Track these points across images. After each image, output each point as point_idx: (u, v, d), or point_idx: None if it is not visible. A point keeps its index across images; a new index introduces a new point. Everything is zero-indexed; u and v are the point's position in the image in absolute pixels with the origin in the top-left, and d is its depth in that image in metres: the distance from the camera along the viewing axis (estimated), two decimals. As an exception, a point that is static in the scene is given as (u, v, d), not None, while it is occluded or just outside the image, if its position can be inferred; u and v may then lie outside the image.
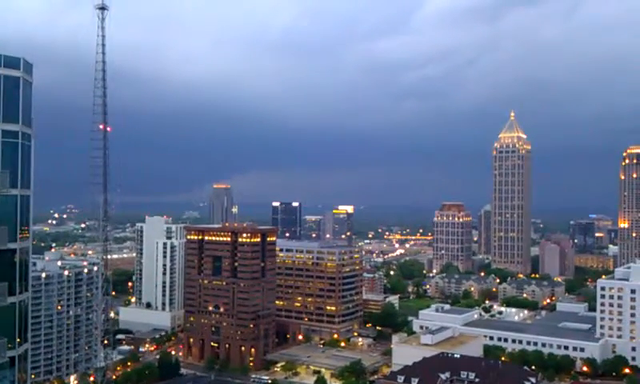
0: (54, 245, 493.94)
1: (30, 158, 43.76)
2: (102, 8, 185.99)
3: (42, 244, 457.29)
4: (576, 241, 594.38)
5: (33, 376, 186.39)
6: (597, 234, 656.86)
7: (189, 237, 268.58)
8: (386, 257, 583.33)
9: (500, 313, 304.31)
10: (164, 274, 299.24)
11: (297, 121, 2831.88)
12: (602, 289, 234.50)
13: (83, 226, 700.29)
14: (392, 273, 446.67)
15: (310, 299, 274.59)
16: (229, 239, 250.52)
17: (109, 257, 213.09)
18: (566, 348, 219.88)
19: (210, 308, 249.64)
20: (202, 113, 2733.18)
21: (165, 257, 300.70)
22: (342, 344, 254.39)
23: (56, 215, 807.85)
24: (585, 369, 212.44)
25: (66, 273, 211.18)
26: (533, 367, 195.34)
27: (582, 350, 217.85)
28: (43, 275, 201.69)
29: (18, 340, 42.02)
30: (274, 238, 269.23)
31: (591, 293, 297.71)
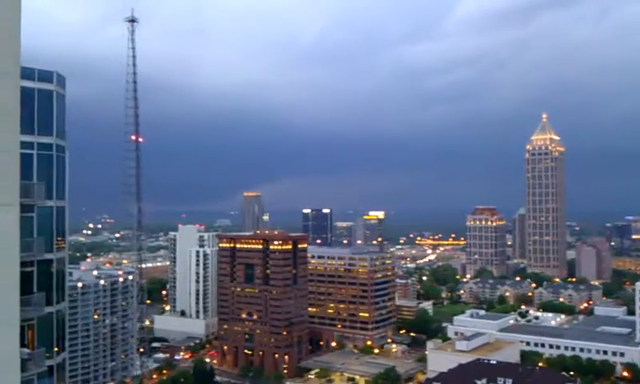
0: (89, 255, 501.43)
1: (65, 170, 44.38)
2: (132, 21, 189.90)
3: (78, 254, 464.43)
4: (613, 243, 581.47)
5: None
6: (634, 236, 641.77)
7: (221, 245, 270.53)
8: (418, 262, 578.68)
9: (536, 318, 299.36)
10: (197, 282, 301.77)
11: (326, 127, 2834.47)
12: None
13: (118, 235, 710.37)
14: (425, 278, 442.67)
15: (342, 306, 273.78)
16: (260, 247, 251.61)
17: (143, 266, 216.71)
18: (605, 353, 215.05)
19: (243, 315, 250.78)
20: (232, 122, 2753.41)
21: (198, 265, 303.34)
22: (376, 351, 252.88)
23: (91, 225, 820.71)
24: (625, 374, 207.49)
25: (102, 282, 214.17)
26: (571, 373, 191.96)
27: (622, 354, 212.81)
28: (79, 285, 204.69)
29: (56, 349, 42.53)
30: (306, 245, 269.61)
31: (629, 296, 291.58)
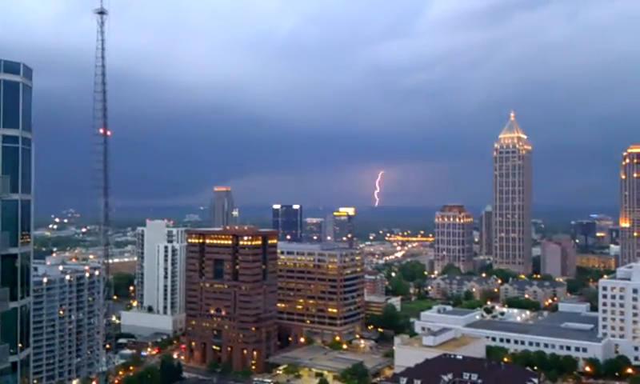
0: (55, 249, 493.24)
1: (31, 163, 43.75)
2: (101, 13, 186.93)
3: (44, 249, 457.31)
4: (577, 241, 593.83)
5: (35, 381, 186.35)
6: (598, 234, 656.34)
7: (190, 240, 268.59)
8: (387, 258, 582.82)
9: (502, 314, 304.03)
10: (165, 277, 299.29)
11: (300, 123, 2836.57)
12: (604, 289, 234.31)
13: (84, 230, 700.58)
14: (393, 274, 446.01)
15: (311, 301, 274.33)
16: (230, 242, 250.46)
17: (110, 261, 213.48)
18: (569, 348, 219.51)
19: (212, 311, 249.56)
20: (206, 117, 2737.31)
21: (166, 260, 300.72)
22: (344, 346, 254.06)
23: (57, 220, 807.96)
24: (587, 369, 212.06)
25: (68, 277, 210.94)
26: (535, 368, 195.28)
27: (585, 350, 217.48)
28: (45, 280, 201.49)
29: (20, 345, 41.96)
30: (275, 241, 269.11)
31: (593, 293, 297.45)
